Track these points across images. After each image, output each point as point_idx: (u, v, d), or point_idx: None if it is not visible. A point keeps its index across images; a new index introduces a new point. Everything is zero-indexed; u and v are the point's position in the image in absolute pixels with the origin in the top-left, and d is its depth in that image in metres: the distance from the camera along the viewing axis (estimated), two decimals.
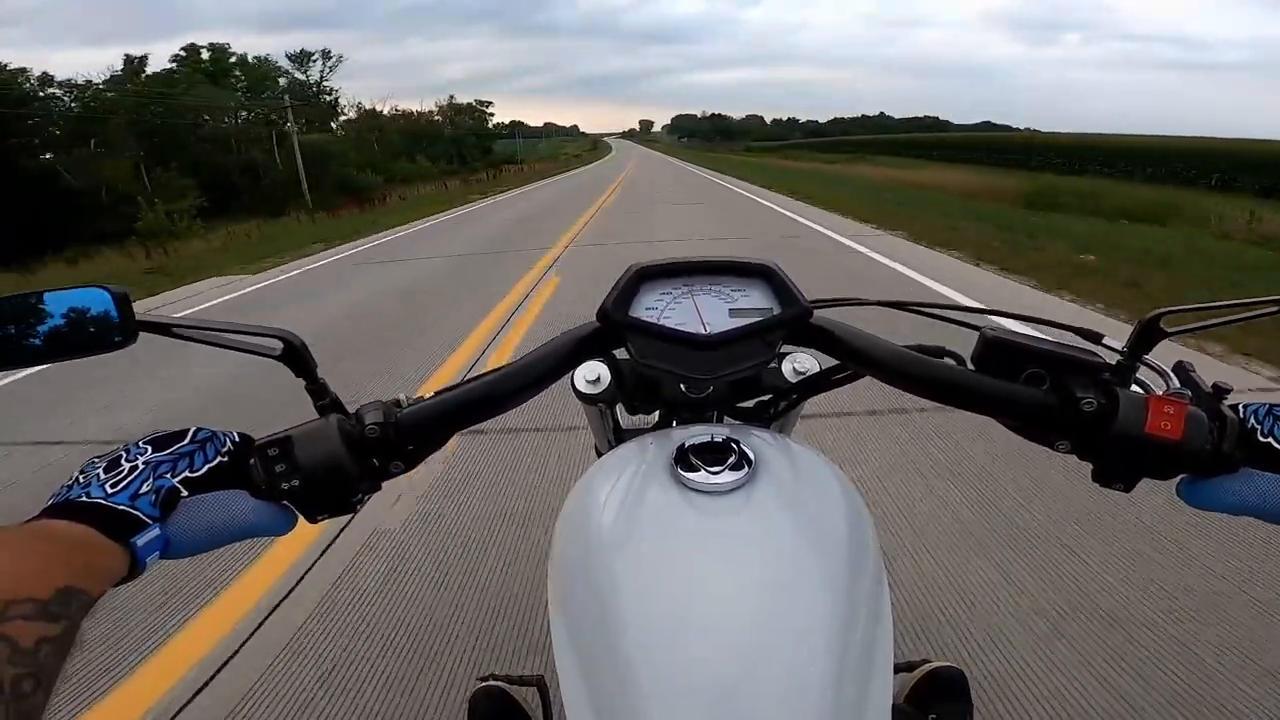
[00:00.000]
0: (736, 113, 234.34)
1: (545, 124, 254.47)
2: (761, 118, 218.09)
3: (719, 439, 0.48)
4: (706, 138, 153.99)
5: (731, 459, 0.45)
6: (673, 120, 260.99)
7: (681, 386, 0.58)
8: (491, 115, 74.27)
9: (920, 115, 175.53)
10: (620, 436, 0.66)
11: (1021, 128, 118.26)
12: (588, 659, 0.40)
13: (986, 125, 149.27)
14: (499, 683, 0.72)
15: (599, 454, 0.68)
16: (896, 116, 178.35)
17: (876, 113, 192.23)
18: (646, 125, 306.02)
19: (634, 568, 0.41)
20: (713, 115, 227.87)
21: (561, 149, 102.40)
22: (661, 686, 0.35)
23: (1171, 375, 0.48)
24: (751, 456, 0.46)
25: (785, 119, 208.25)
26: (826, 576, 0.40)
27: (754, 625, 0.37)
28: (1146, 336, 0.48)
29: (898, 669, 0.70)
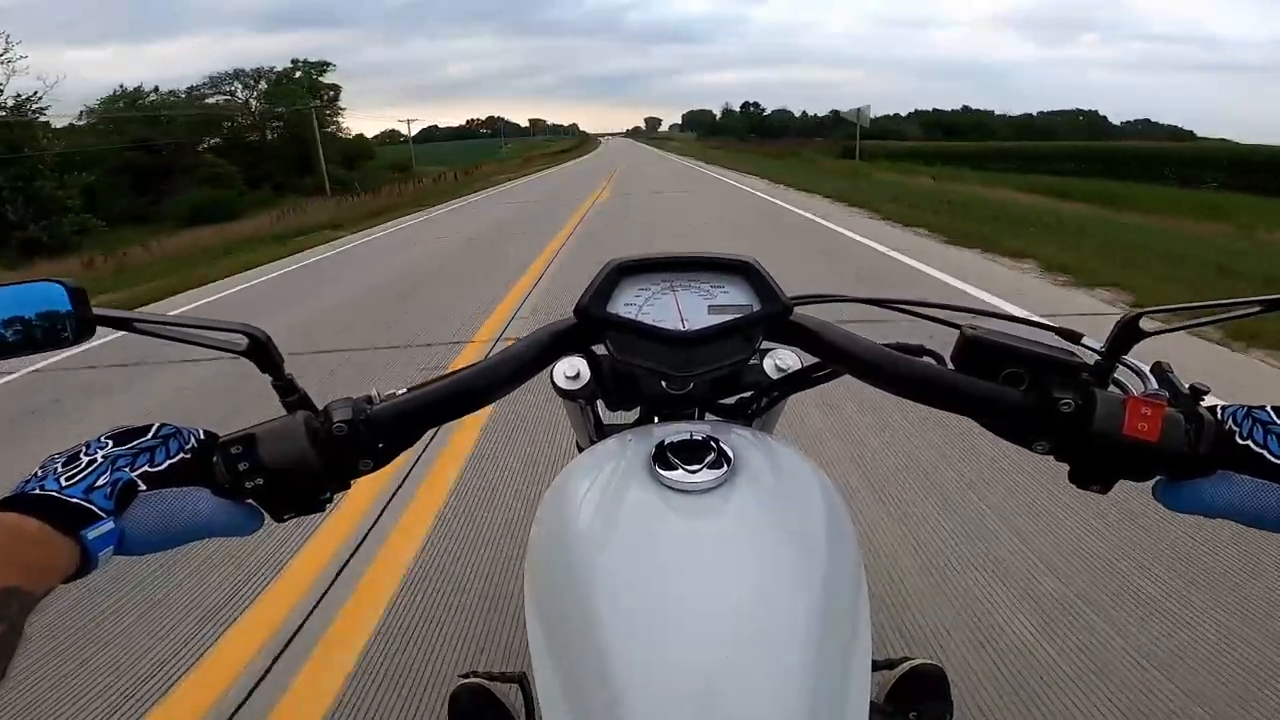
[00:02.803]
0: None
1: (531, 121, 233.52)
2: (799, 113, 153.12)
3: (698, 437, 0.47)
4: (738, 136, 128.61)
5: (710, 457, 0.45)
6: (684, 117, 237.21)
7: (662, 383, 0.58)
8: (330, 94, 43.00)
9: (1069, 108, 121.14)
10: (601, 433, 0.66)
11: (1178, 127, 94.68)
12: (564, 658, 0.39)
13: (1145, 124, 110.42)
14: (480, 679, 0.71)
15: (580, 451, 0.67)
16: (998, 111, 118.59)
17: (956, 106, 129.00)
18: (653, 123, 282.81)
19: (611, 567, 0.41)
20: (745, 106, 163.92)
21: (530, 150, 75.83)
22: (638, 686, 0.35)
23: (1149, 376, 0.48)
24: (730, 455, 0.46)
25: (857, 112, 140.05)
26: (804, 576, 0.40)
27: (730, 625, 0.37)
28: (1125, 336, 0.47)
29: (878, 666, 0.68)
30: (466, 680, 0.70)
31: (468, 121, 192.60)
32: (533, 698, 0.65)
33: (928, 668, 0.68)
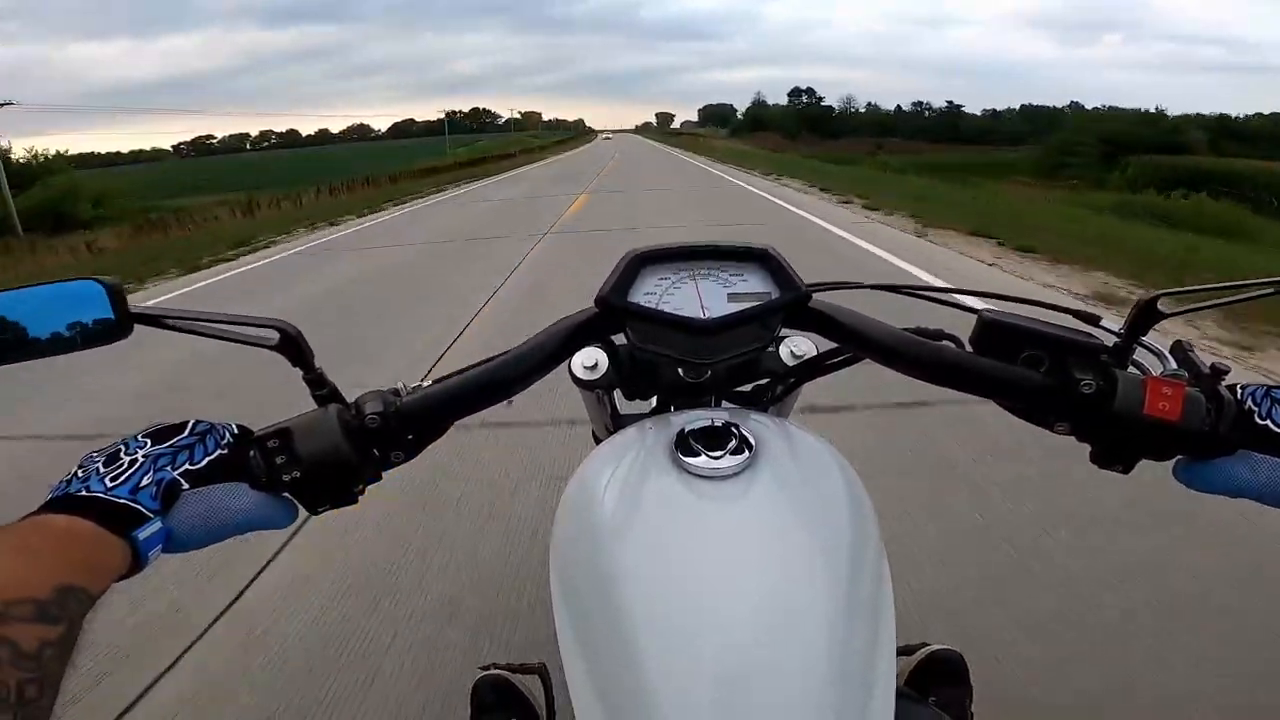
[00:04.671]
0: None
1: (524, 114, 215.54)
2: (871, 107, 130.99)
3: (719, 423, 0.47)
4: (788, 134, 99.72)
5: (732, 443, 0.45)
6: (700, 112, 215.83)
7: (679, 371, 0.58)
8: None
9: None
10: (619, 423, 0.66)
11: None
12: (592, 646, 0.40)
13: None
14: (501, 671, 0.73)
15: (597, 440, 0.68)
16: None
17: (1066, 103, 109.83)
18: (665, 119, 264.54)
19: (637, 554, 0.41)
20: (796, 94, 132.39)
21: (505, 146, 60.51)
22: (667, 672, 0.35)
23: (1169, 356, 0.48)
24: (752, 441, 0.46)
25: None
26: (829, 561, 0.41)
27: (758, 610, 0.38)
28: (1144, 318, 0.47)
29: (897, 652, 0.69)
30: (487, 672, 0.72)
31: (446, 114, 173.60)
32: (552, 688, 0.71)
33: (946, 653, 0.71)
